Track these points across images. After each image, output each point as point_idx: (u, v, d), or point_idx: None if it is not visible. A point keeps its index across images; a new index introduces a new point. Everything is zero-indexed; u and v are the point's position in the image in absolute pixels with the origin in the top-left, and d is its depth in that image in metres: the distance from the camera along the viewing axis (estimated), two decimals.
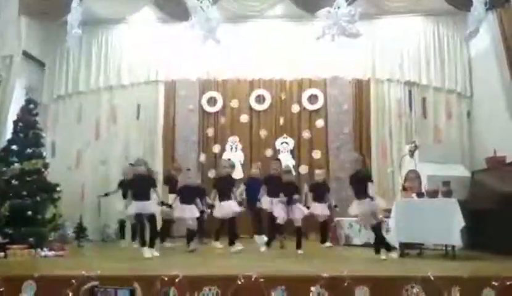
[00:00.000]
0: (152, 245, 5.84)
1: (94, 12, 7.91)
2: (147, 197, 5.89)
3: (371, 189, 5.53)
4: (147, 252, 5.62)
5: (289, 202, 6.36)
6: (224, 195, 6.47)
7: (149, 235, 5.94)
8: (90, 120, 8.73)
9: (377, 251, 5.51)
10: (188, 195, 6.50)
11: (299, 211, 6.42)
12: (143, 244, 5.87)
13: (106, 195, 7.54)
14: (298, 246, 6.23)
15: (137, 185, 5.98)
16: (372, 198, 5.48)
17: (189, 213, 6.43)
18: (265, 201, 6.73)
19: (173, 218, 6.79)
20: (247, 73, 8.81)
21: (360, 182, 5.61)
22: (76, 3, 6.48)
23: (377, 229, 5.56)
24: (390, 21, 8.43)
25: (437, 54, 8.36)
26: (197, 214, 6.53)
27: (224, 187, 6.55)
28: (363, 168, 5.86)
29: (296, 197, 6.47)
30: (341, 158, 8.74)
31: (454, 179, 6.27)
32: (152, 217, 5.95)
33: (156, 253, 5.74)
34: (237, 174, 8.55)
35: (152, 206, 5.93)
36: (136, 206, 5.89)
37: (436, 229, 5.54)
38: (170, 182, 7.24)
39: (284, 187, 6.46)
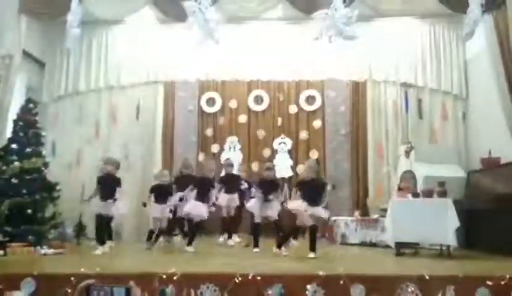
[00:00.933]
0: (109, 238, 6.20)
1: (94, 12, 7.93)
2: (111, 197, 6.03)
3: (325, 198, 5.73)
4: (100, 250, 5.86)
5: (267, 199, 6.38)
6: (199, 195, 6.48)
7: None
8: (90, 120, 8.75)
9: (279, 247, 5.73)
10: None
11: (275, 208, 6.42)
12: (102, 242, 6.02)
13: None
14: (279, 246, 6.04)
15: (103, 184, 6.11)
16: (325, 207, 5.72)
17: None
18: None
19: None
20: (245, 74, 8.84)
21: (316, 191, 5.68)
22: (75, 3, 6.52)
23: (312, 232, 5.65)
24: (387, 23, 8.46)
25: (433, 56, 8.40)
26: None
27: (201, 187, 6.54)
28: (320, 177, 5.95)
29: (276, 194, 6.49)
30: (337, 158, 8.83)
31: (449, 180, 6.34)
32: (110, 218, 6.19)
33: (106, 250, 5.94)
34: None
35: (114, 207, 6.08)
36: (100, 206, 6.03)
37: (431, 228, 5.60)
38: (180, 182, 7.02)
39: (264, 184, 6.47)
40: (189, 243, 6.29)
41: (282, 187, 7.05)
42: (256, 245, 6.20)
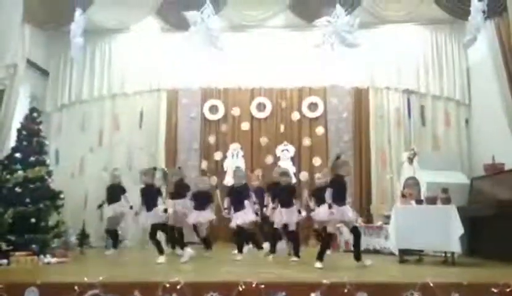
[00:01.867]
0: (181, 247, 6.13)
1: (97, 21, 8.00)
2: (153, 207, 5.97)
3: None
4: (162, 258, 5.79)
5: (288, 205, 6.20)
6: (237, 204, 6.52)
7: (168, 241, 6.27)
8: (93, 128, 8.81)
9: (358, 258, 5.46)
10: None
11: (294, 215, 6.20)
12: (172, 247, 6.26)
13: (100, 206, 7.34)
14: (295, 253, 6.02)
15: (145, 196, 6.06)
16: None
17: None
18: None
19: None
20: (248, 81, 8.90)
21: (343, 188, 5.58)
22: (79, 12, 6.58)
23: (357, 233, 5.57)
24: (389, 30, 8.52)
25: (435, 62, 8.44)
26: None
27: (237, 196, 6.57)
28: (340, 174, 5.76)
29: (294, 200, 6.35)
30: None
31: (452, 186, 6.33)
32: (163, 225, 6.11)
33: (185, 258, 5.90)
34: None
35: (158, 215, 6.00)
36: (145, 217, 6.00)
37: (435, 235, 5.57)
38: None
39: (283, 191, 6.34)
40: (208, 247, 6.66)
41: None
42: (296, 254, 6.01)
